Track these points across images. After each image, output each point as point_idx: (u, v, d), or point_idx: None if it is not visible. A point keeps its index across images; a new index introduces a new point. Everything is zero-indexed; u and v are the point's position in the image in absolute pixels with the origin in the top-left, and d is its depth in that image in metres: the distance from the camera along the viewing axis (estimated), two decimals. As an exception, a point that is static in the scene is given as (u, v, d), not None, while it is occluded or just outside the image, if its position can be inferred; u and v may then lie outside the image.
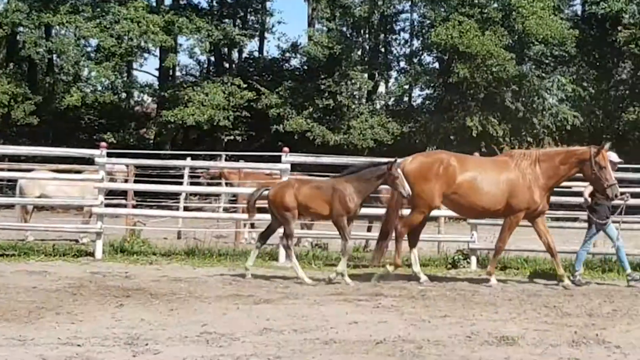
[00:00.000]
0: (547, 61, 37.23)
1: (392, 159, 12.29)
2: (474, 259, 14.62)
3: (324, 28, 37.44)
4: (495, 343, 8.07)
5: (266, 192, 12.63)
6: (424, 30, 38.43)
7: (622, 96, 39.44)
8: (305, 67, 39.43)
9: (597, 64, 40.21)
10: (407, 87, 38.80)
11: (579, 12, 42.37)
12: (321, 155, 17.93)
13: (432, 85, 37.57)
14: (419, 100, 40.79)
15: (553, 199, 13.28)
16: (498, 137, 33.46)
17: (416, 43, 40.07)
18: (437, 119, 34.86)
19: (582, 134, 39.58)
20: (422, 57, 39.32)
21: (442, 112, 35.53)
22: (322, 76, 35.36)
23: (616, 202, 12.86)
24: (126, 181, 17.98)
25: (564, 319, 9.53)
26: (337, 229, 12.48)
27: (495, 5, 34.44)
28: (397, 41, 41.00)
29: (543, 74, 36.14)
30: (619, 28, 33.64)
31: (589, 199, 12.89)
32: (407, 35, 40.67)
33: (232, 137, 36.20)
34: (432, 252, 16.09)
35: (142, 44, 34.31)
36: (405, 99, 40.42)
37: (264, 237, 12.95)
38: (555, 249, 12.80)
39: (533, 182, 12.53)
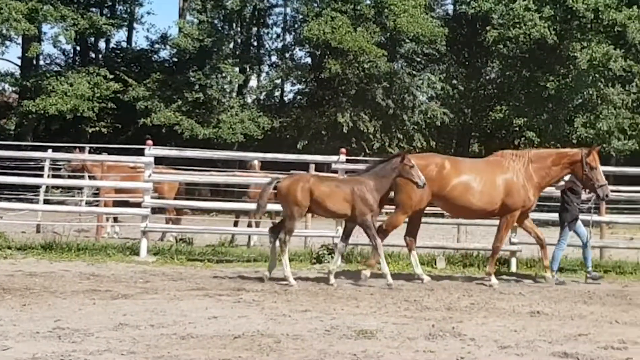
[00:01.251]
0: (418, 59, 38.25)
1: (403, 151, 12.60)
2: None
3: (195, 20, 37.13)
4: (353, 337, 8.20)
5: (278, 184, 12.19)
6: (296, 25, 38.79)
7: (490, 95, 40.99)
8: (175, 60, 39.03)
9: (467, 62, 41.66)
10: (278, 81, 39.04)
11: (450, 11, 43.78)
12: (185, 149, 17.80)
13: (303, 80, 37.90)
14: (291, 95, 41.20)
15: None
16: (369, 134, 34.10)
17: (289, 38, 40.47)
18: (309, 114, 35.23)
19: (451, 131, 41.01)
20: (295, 52, 39.69)
21: (313, 108, 35.95)
22: (192, 69, 35.12)
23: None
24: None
25: (423, 313, 9.78)
26: (363, 229, 12.23)
27: (368, 2, 35.12)
28: (270, 35, 41.28)
29: (414, 72, 37.09)
30: (488, 28, 34.78)
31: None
32: (279, 30, 40.99)
33: (97, 129, 35.43)
34: (299, 247, 16.20)
35: (4, 31, 33.02)
36: (277, 93, 40.67)
37: (275, 231, 12.26)
38: (544, 241, 13.24)
39: (527, 182, 12.86)
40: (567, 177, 13.26)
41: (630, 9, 32.88)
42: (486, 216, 13.53)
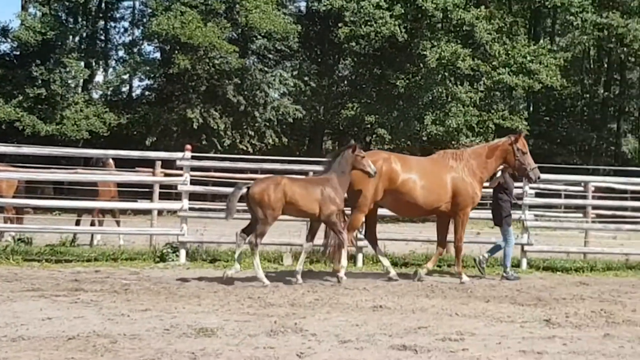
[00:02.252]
0: (270, 55, 38.44)
1: (351, 143, 12.56)
2: (183, 252, 14.60)
3: (38, 12, 35.81)
4: (193, 335, 8.16)
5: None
6: (145, 19, 38.16)
7: (342, 92, 41.62)
8: (16, 54, 37.50)
9: (319, 60, 42.24)
10: (126, 77, 38.27)
11: (303, 8, 44.19)
12: (22, 146, 17.20)
13: (152, 75, 37.31)
14: (139, 91, 40.52)
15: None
16: (219, 131, 34.00)
17: (137, 32, 39.78)
18: (157, 110, 34.75)
19: (304, 127, 41.47)
20: (143, 46, 39.05)
21: (162, 104, 35.49)
22: (35, 63, 33.86)
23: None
24: None
25: (266, 309, 9.84)
26: (329, 226, 12.52)
27: (219, -4, 34.89)
28: (117, 29, 40.53)
29: (266, 68, 37.25)
30: (340, 25, 35.23)
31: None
32: (127, 24, 40.25)
33: None
34: (144, 245, 15.98)
35: None
36: (125, 89, 39.86)
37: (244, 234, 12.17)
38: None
39: (472, 179, 13.34)
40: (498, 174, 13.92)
41: (478, 9, 34.25)
42: (430, 214, 13.92)
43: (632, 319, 9.87)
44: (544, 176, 15.10)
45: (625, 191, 22.24)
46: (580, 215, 19.34)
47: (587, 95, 48.53)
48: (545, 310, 10.37)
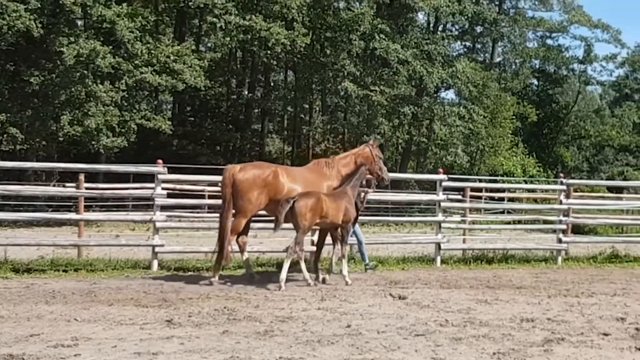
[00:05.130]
0: None
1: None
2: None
3: None
4: None
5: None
6: None
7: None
8: None
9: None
10: None
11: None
12: None
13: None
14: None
15: None
16: None
17: None
18: None
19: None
20: None
21: None
22: None
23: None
24: None
25: None
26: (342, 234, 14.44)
27: None
28: None
29: None
30: None
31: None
32: None
33: None
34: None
35: None
36: None
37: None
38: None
39: None
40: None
41: (120, 7, 34.06)
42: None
43: (253, 315, 10.52)
44: (176, 177, 15.72)
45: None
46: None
47: (233, 97, 50.53)
48: (169, 311, 10.70)
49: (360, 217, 15.62)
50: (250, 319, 10.22)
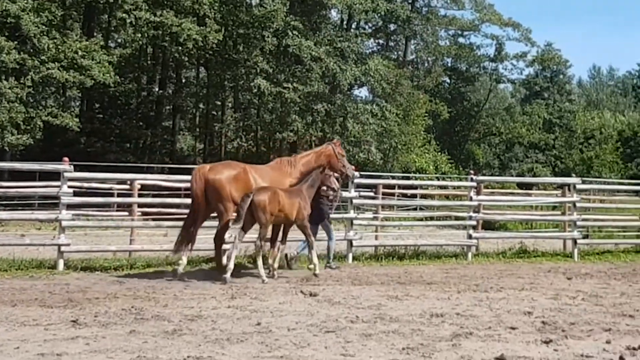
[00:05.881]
0: None
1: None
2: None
3: None
4: None
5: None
6: None
7: None
8: None
9: None
10: None
11: None
12: None
13: None
14: None
15: None
16: None
17: None
18: None
19: None
20: None
21: None
22: None
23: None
24: None
25: None
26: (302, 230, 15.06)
27: None
28: None
29: None
30: None
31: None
32: None
33: None
34: None
35: None
36: None
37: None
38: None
39: None
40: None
41: (25, 1, 33.27)
42: None
43: (161, 314, 10.42)
44: (83, 175, 15.47)
45: (179, 188, 23.23)
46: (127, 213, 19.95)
47: (144, 93, 49.91)
48: (75, 311, 10.53)
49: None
50: (159, 318, 10.13)
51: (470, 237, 19.96)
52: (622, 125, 77.77)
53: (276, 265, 14.94)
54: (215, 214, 15.10)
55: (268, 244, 15.14)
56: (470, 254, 19.69)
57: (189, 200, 15.76)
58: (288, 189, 14.92)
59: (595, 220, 24.24)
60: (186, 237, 14.68)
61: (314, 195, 15.50)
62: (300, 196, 14.76)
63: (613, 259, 20.99)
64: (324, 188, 15.78)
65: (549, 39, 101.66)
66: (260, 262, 14.28)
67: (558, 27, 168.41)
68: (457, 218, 21.37)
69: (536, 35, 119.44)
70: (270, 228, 14.66)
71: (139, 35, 39.15)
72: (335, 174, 16.05)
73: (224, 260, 14.85)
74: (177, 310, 10.82)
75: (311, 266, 15.07)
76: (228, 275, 13.98)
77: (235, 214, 14.43)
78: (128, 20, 38.45)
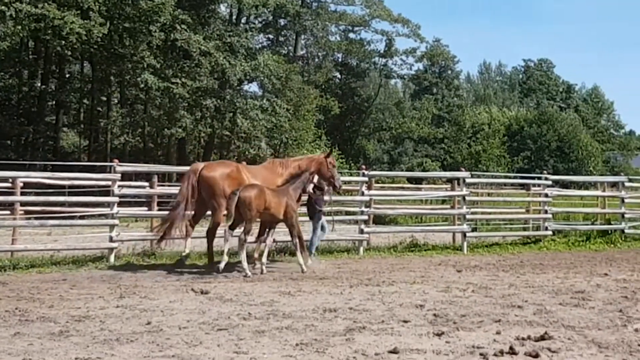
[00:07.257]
0: None
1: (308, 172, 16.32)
2: None
3: None
4: None
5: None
6: None
7: None
8: None
9: None
10: None
11: None
12: None
13: None
14: None
15: None
16: None
17: None
18: None
19: None
20: None
21: None
22: None
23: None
24: None
25: None
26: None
27: None
28: None
29: None
30: None
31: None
32: None
33: None
34: None
35: None
36: None
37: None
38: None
39: None
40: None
41: None
42: None
43: (47, 315, 10.22)
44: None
45: (63, 186, 22.67)
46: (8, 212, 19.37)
47: (25, 89, 48.47)
48: (-45, 315, 10.20)
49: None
50: (44, 320, 9.93)
51: (362, 231, 20.22)
52: (509, 120, 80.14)
53: (264, 259, 15.59)
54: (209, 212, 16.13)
55: (265, 243, 15.96)
56: (362, 249, 19.96)
57: (73, 198, 15.62)
58: (275, 188, 15.70)
59: (483, 213, 24.90)
60: (169, 219, 15.68)
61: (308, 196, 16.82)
62: (287, 195, 15.52)
63: (501, 251, 21.67)
64: (311, 189, 16.52)
65: (438, 36, 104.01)
66: (244, 256, 14.96)
67: (448, 23, 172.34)
68: (348, 213, 21.61)
69: (425, 32, 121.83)
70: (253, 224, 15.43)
71: (19, 28, 37.92)
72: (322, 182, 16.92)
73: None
74: (64, 311, 10.62)
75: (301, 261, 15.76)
76: (222, 265, 15.04)
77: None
78: (8, 13, 37.14)
